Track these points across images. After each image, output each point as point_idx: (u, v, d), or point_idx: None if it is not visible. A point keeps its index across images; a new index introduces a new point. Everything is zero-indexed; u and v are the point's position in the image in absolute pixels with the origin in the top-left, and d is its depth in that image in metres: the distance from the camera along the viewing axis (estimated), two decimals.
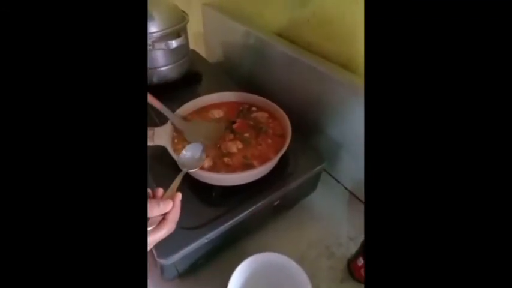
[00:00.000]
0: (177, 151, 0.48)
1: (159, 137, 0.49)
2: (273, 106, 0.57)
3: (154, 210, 0.33)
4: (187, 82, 0.72)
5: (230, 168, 0.47)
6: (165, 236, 0.34)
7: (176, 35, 0.64)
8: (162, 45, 0.62)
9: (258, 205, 0.46)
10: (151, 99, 0.59)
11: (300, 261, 0.43)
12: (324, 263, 0.51)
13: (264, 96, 0.58)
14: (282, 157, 0.48)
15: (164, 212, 0.34)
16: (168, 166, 0.46)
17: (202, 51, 0.94)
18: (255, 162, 0.48)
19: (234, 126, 0.55)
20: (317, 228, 0.56)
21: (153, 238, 0.33)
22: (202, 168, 0.46)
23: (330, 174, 0.67)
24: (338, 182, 0.65)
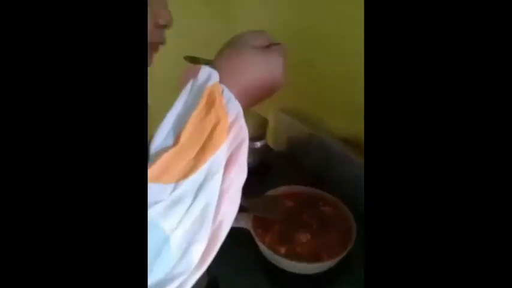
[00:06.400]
0: None
1: None
2: (339, 203, 0.63)
3: None
4: (257, 172, 0.78)
5: (300, 257, 0.54)
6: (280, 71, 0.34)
7: (259, 137, 0.80)
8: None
9: None
10: None
11: None
12: None
13: (330, 191, 0.66)
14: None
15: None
16: None
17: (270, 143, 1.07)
18: (324, 255, 0.54)
19: (303, 217, 0.63)
20: None
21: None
22: (278, 253, 0.53)
23: None
24: None
